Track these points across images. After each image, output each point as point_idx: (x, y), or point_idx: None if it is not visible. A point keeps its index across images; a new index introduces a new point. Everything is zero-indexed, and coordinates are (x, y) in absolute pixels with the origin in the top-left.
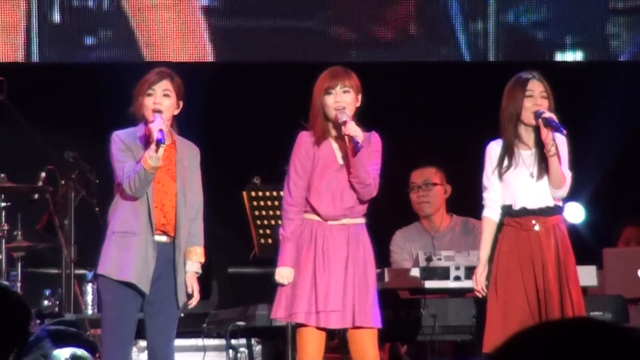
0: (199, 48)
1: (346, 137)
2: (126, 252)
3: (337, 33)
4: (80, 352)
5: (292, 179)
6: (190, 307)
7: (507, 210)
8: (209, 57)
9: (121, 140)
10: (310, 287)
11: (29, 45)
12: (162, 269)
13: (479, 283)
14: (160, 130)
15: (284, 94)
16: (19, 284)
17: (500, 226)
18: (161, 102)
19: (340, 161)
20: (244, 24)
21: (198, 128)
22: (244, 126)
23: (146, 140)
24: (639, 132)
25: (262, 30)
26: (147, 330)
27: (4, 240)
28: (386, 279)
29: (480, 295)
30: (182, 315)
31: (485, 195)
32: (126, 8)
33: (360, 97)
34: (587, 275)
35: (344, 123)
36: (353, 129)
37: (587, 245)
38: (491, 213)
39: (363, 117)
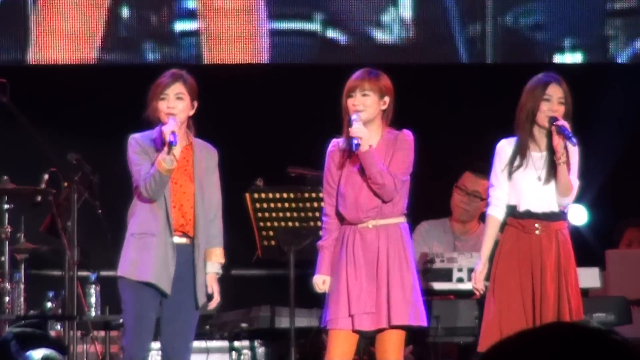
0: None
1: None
2: (145, 253)
3: (335, 35)
4: (51, 353)
5: (326, 190)
6: (210, 308)
7: (512, 211)
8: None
9: (137, 143)
10: (343, 292)
11: (29, 47)
12: (182, 270)
13: (477, 281)
14: (173, 133)
15: (287, 97)
16: (22, 286)
17: (503, 225)
18: (175, 105)
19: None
20: (246, 26)
21: (201, 131)
22: (247, 129)
23: (161, 143)
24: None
25: (261, 33)
26: (163, 332)
27: (7, 243)
28: None
29: (478, 294)
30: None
31: (491, 192)
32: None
33: (387, 99)
34: (590, 277)
35: (351, 124)
36: (356, 129)
37: (590, 247)
38: (496, 211)
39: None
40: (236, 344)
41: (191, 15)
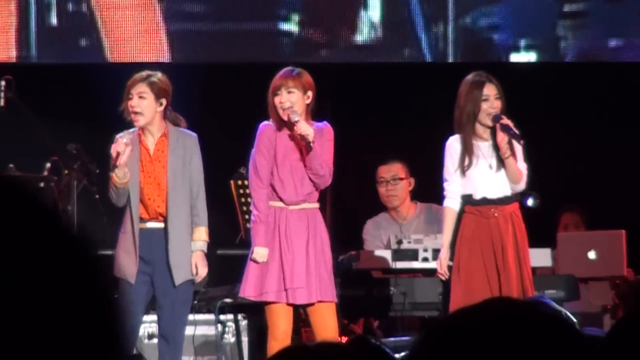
0: (190, 51)
1: (298, 136)
2: (118, 247)
3: (308, 35)
4: None
5: (259, 163)
6: (197, 282)
7: (468, 200)
8: (198, 59)
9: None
10: (279, 268)
11: (31, 46)
12: (159, 252)
13: (442, 267)
14: (126, 144)
15: (264, 93)
16: None
17: (460, 214)
18: (137, 104)
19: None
20: (225, 27)
21: (189, 124)
22: (230, 122)
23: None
24: (587, 130)
25: (240, 33)
26: (157, 308)
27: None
28: (360, 260)
29: (443, 278)
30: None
31: (446, 186)
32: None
33: (310, 94)
34: (543, 257)
35: (296, 122)
36: (304, 128)
37: (541, 229)
38: (452, 203)
39: (332, 113)
40: (221, 317)
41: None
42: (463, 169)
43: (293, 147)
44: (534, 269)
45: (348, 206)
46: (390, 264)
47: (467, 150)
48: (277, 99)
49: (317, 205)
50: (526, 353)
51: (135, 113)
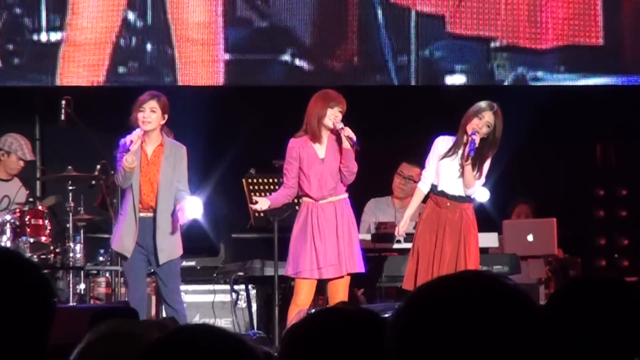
0: (212, 76)
1: (344, 137)
2: (117, 228)
3: (300, 64)
4: None
5: (286, 169)
6: (184, 221)
7: (433, 189)
8: (220, 82)
9: (120, 144)
10: (311, 252)
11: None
12: (150, 236)
13: (398, 230)
14: (131, 142)
15: (271, 110)
16: (81, 245)
17: (426, 198)
18: (149, 116)
19: (322, 156)
20: (243, 57)
21: (212, 135)
22: (245, 132)
23: (144, 144)
24: (527, 138)
25: (252, 62)
26: (159, 281)
27: (70, 214)
28: None
29: (399, 238)
30: (198, 268)
31: (423, 172)
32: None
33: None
34: (491, 240)
35: (342, 129)
36: (351, 132)
37: (491, 217)
38: (422, 186)
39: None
40: (235, 287)
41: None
42: (441, 157)
43: (316, 155)
44: (485, 249)
45: (356, 192)
46: (370, 245)
47: (455, 148)
48: (331, 112)
49: (344, 196)
50: (491, 313)
51: (145, 122)
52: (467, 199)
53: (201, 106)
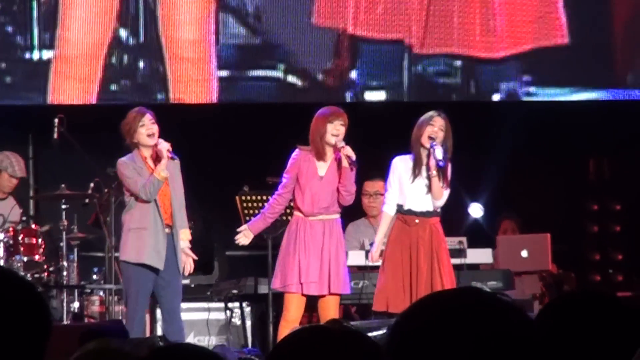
0: (205, 93)
1: (344, 156)
2: (141, 242)
3: (293, 80)
4: None
5: (284, 178)
6: (186, 274)
7: (399, 209)
8: (213, 99)
9: (128, 164)
10: (296, 266)
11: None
12: (168, 252)
13: (373, 257)
14: (169, 150)
15: (265, 127)
16: (75, 264)
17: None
18: (152, 127)
19: (321, 174)
20: (235, 74)
21: (205, 152)
22: (238, 149)
23: (153, 158)
24: (521, 153)
25: (243, 79)
26: (162, 297)
27: (64, 232)
28: None
29: (371, 262)
30: (192, 286)
31: (386, 195)
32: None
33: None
34: (485, 255)
35: (343, 147)
36: (351, 151)
37: (485, 233)
38: (388, 209)
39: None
40: (229, 304)
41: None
42: (413, 180)
43: (316, 171)
44: (478, 265)
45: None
46: (363, 262)
47: (417, 166)
48: (330, 127)
49: (336, 216)
50: (486, 328)
51: (151, 135)
52: (435, 213)
53: (194, 123)
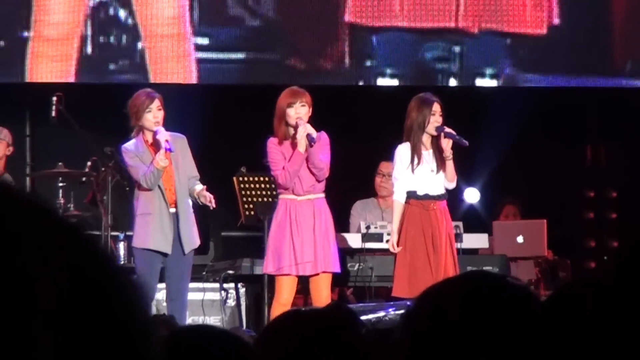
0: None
1: (302, 137)
2: (147, 228)
3: (292, 64)
4: None
5: (273, 160)
6: (213, 206)
7: (413, 195)
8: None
9: (130, 151)
10: (290, 248)
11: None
12: (174, 232)
13: (393, 246)
14: (167, 141)
15: (263, 108)
16: None
17: (405, 206)
18: (158, 115)
19: (302, 150)
20: (228, 56)
21: (203, 133)
22: (235, 131)
23: (154, 145)
24: (517, 139)
25: (240, 61)
26: (170, 277)
27: (61, 210)
28: (337, 241)
29: (394, 251)
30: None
31: (395, 183)
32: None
33: (311, 109)
34: (481, 241)
35: (301, 124)
36: (309, 128)
37: (481, 218)
38: (399, 197)
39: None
40: (225, 285)
41: None
42: (413, 168)
43: (298, 153)
44: (475, 250)
45: (338, 193)
46: (360, 245)
47: (416, 153)
48: (291, 111)
49: (322, 195)
50: (500, 312)
51: (157, 122)
52: (445, 195)
53: (191, 104)
